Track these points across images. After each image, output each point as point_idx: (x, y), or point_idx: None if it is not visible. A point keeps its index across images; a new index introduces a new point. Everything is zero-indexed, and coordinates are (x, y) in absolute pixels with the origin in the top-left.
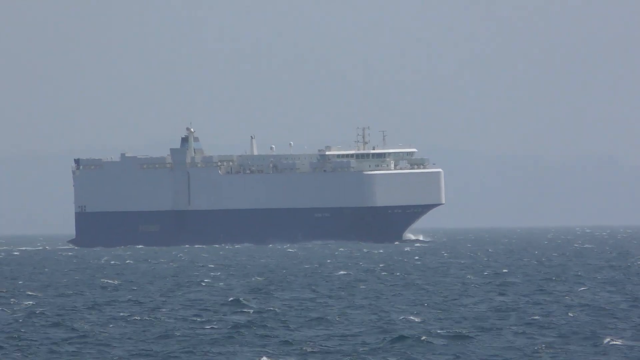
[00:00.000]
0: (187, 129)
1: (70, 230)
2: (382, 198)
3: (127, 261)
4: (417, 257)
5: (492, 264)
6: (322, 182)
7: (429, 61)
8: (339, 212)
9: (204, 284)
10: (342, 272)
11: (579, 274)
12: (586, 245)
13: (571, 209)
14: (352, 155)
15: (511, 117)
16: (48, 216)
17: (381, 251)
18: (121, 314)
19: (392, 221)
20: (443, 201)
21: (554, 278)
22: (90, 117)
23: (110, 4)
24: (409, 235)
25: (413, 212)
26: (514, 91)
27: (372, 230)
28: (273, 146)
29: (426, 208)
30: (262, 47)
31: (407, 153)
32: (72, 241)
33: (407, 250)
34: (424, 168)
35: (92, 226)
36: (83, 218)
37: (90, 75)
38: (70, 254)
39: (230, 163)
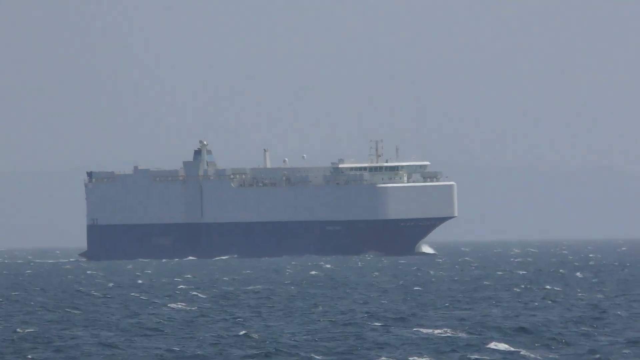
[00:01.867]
0: (200, 141)
1: (84, 243)
2: (395, 211)
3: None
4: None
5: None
6: (335, 195)
7: (441, 72)
8: (351, 225)
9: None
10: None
11: None
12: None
13: (583, 221)
14: (365, 168)
15: (524, 128)
16: (62, 229)
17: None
18: None
19: (405, 234)
20: (456, 214)
21: None
22: (103, 130)
23: (123, 19)
24: (425, 247)
25: (426, 225)
26: (527, 102)
27: (385, 243)
28: (286, 159)
29: (439, 221)
30: (275, 61)
31: (420, 166)
32: (83, 254)
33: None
34: (436, 181)
35: (104, 239)
36: (95, 231)
37: (102, 88)
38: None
39: (243, 176)
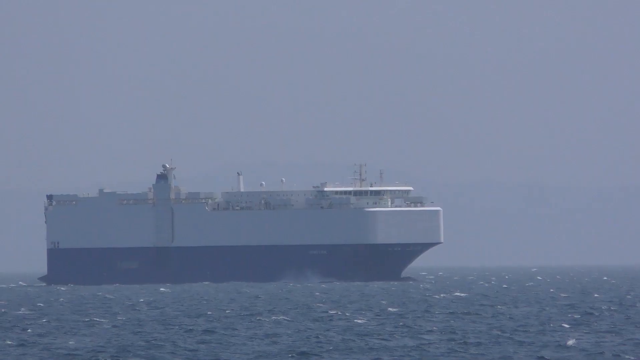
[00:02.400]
0: (163, 165)
1: (43, 268)
2: (383, 235)
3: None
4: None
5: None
6: (319, 218)
7: (422, 93)
8: (336, 249)
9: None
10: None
11: None
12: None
13: (577, 246)
14: (350, 192)
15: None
16: (20, 253)
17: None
18: None
19: (392, 259)
20: (442, 240)
21: None
22: (63, 156)
23: (87, 35)
24: (410, 275)
25: (412, 250)
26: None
27: (371, 268)
28: (263, 183)
29: (425, 247)
30: (250, 79)
31: (404, 191)
32: (42, 278)
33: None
34: (421, 206)
35: (66, 263)
36: (56, 255)
37: (63, 112)
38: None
39: (216, 200)
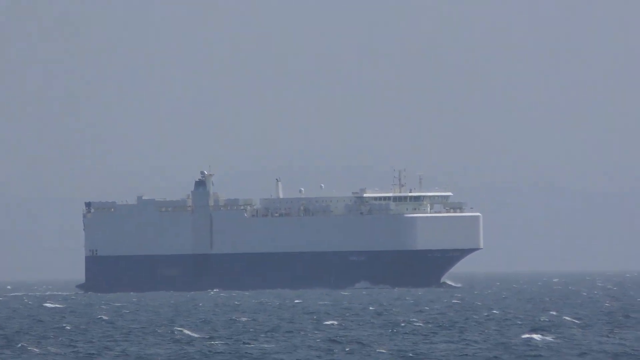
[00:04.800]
0: (201, 172)
1: (81, 275)
2: (423, 241)
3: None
4: None
5: None
6: (359, 224)
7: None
8: (376, 255)
9: None
10: None
11: None
12: None
13: (618, 251)
14: (390, 198)
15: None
16: (59, 261)
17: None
18: None
19: (431, 265)
20: (481, 246)
21: None
22: (102, 163)
23: (120, 40)
24: (448, 281)
25: (452, 256)
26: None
27: (410, 274)
28: (302, 189)
29: (464, 252)
30: (284, 87)
31: (443, 197)
32: (80, 286)
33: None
34: (460, 212)
35: (104, 270)
36: (94, 262)
37: (102, 119)
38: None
39: (255, 206)
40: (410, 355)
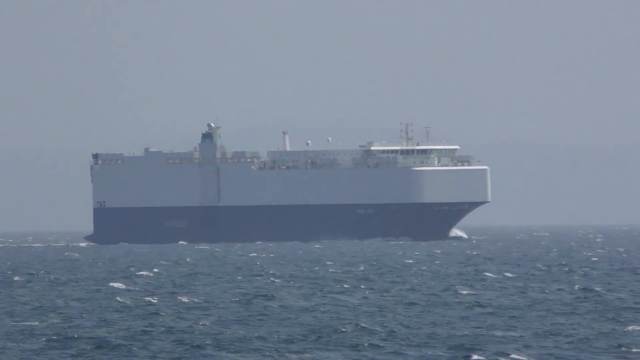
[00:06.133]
0: (208, 124)
1: (89, 227)
2: (430, 194)
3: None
4: None
5: None
6: (367, 177)
7: (469, 51)
8: (384, 208)
9: None
10: None
11: None
12: None
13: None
14: (397, 151)
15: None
16: (66, 213)
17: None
18: None
19: (439, 218)
20: (489, 199)
21: None
22: (108, 114)
23: (127, 4)
24: (457, 232)
25: (459, 210)
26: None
27: (418, 227)
28: (309, 142)
29: (472, 205)
30: (291, 44)
31: (450, 150)
32: (89, 237)
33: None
34: (468, 165)
35: (112, 222)
36: (102, 214)
37: (107, 71)
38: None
39: (262, 159)
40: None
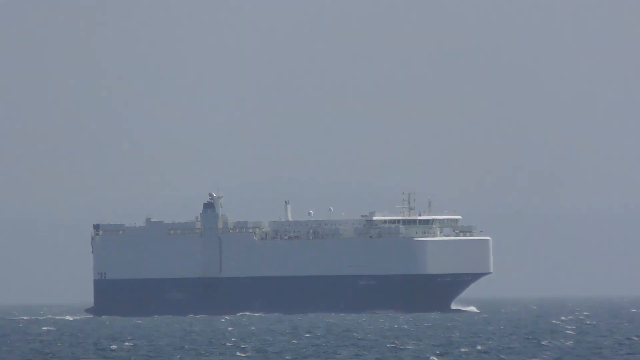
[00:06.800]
0: (210, 194)
1: (89, 299)
2: (433, 265)
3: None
4: None
5: None
6: (369, 248)
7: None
8: (386, 279)
9: None
10: None
11: None
12: None
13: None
14: (399, 221)
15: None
16: (66, 285)
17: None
18: None
19: (441, 290)
20: (491, 270)
21: None
22: (110, 184)
23: (132, 65)
24: (459, 306)
25: (462, 281)
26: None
27: (421, 299)
28: (311, 211)
29: (475, 277)
30: (286, 108)
31: (453, 220)
32: (89, 310)
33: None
34: (470, 235)
35: (113, 294)
36: (103, 285)
37: (110, 140)
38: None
39: (263, 229)
40: None
